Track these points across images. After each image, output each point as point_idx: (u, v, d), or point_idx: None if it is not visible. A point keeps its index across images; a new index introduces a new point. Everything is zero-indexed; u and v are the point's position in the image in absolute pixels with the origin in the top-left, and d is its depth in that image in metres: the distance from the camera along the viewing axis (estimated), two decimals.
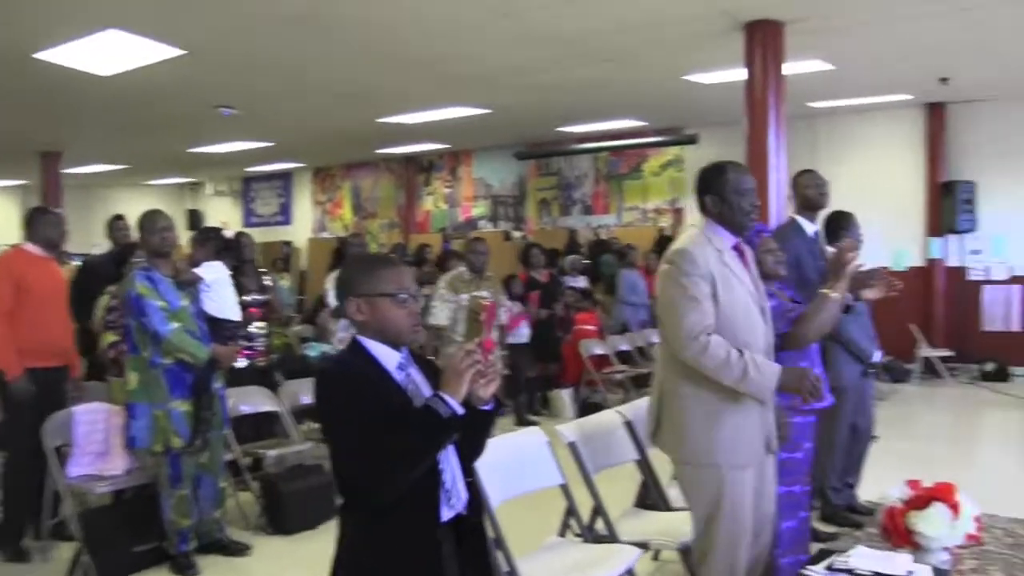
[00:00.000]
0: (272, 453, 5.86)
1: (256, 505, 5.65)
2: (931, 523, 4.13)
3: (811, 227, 5.16)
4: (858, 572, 3.14)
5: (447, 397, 2.21)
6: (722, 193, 3.22)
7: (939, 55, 8.91)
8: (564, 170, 15.45)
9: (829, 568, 3.17)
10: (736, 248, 3.28)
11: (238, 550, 5.11)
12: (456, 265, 8.00)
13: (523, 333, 8.75)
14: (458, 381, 2.22)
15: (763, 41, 7.08)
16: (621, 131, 13.72)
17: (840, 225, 5.47)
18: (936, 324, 11.89)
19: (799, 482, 4.10)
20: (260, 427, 6.32)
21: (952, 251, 12.04)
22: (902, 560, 3.32)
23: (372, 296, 2.36)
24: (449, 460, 2.38)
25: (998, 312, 11.83)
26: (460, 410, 2.21)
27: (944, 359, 11.21)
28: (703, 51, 8.21)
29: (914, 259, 12.16)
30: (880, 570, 3.16)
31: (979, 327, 11.88)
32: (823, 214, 5.41)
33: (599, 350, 9.62)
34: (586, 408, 9.00)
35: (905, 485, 4.33)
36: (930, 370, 11.20)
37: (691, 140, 13.14)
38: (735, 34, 7.23)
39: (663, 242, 13.00)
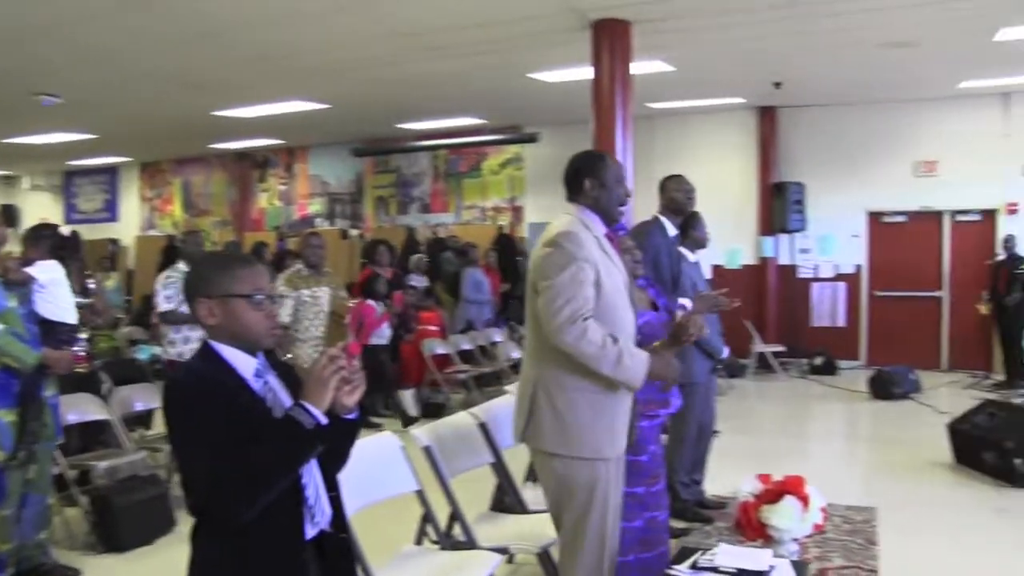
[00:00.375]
0: (102, 464, 5.42)
1: (85, 522, 5.21)
2: (783, 516, 4.21)
3: (673, 229, 5.22)
4: (722, 569, 3.12)
5: (310, 407, 2.03)
6: (603, 179, 3.22)
7: (774, 60, 9.25)
8: (402, 168, 15.31)
9: (693, 567, 3.14)
10: (607, 237, 3.26)
11: (66, 574, 4.69)
12: (293, 263, 7.72)
13: (385, 334, 8.56)
14: (322, 389, 2.04)
15: (611, 40, 7.11)
16: (461, 129, 13.63)
17: (689, 224, 5.56)
18: (769, 320, 12.38)
19: (642, 484, 4.08)
20: (87, 437, 5.87)
21: (783, 250, 12.58)
22: (763, 556, 3.33)
23: (226, 297, 2.15)
24: (312, 474, 2.20)
25: (825, 308, 12.45)
26: (324, 420, 2.04)
27: (777, 354, 11.65)
28: (549, 49, 8.20)
29: (747, 258, 12.64)
30: (743, 566, 3.14)
31: (808, 323, 12.47)
32: None
33: (441, 349, 9.47)
34: (428, 409, 8.84)
35: (756, 479, 4.42)
36: (764, 365, 11.62)
37: (531, 139, 13.22)
38: (582, 32, 7.23)
39: (502, 240, 13.05)
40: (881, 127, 11.90)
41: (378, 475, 3.64)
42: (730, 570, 3.11)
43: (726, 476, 5.91)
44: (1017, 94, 11.25)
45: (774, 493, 4.29)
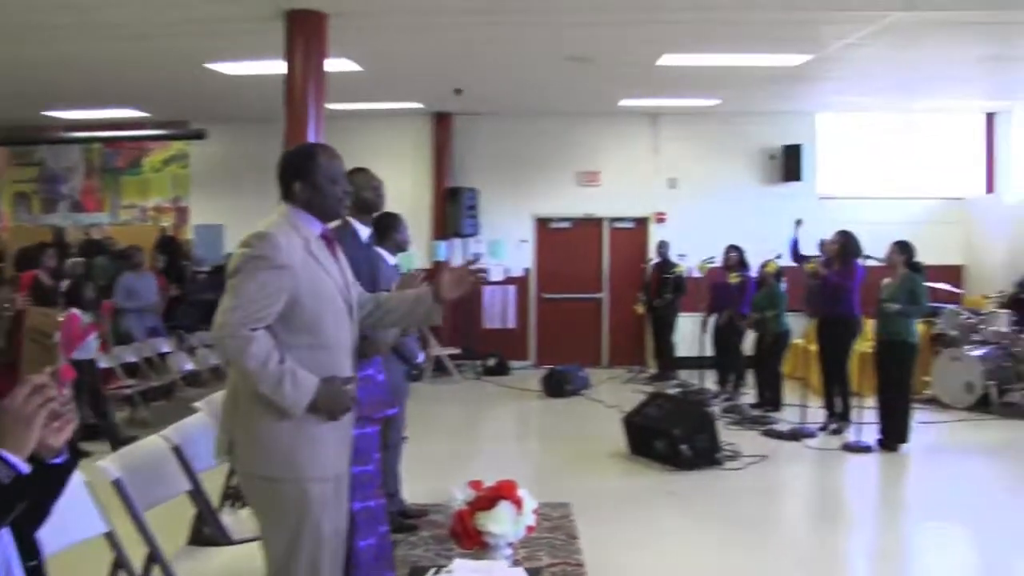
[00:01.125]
0: None
1: None
2: (499, 521, 4.18)
3: (365, 231, 4.89)
4: None
5: (7, 454, 1.59)
6: (313, 179, 2.94)
7: (459, 66, 9.31)
8: (48, 161, 13.74)
9: None
10: (324, 237, 2.99)
11: None
12: None
13: (92, 347, 7.51)
14: (24, 430, 1.61)
15: (305, 33, 6.68)
16: (119, 121, 12.44)
17: (390, 226, 5.41)
18: (444, 323, 12.49)
19: (374, 496, 3.89)
20: None
21: (456, 254, 12.79)
22: (499, 568, 3.25)
23: None
24: (3, 541, 1.73)
25: (496, 311, 12.85)
26: (25, 469, 1.61)
27: (452, 357, 11.83)
28: (234, 38, 7.59)
29: (421, 262, 12.69)
30: None
31: (481, 325, 12.78)
32: None
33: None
34: (88, 431, 7.89)
35: (468, 487, 4.35)
36: (440, 368, 11.74)
37: (199, 135, 12.40)
38: (274, 22, 6.76)
39: (166, 243, 12.17)
40: (550, 138, 12.55)
41: (58, 520, 3.08)
42: None
43: (419, 483, 5.85)
44: (663, 115, 12.45)
45: (488, 499, 4.26)
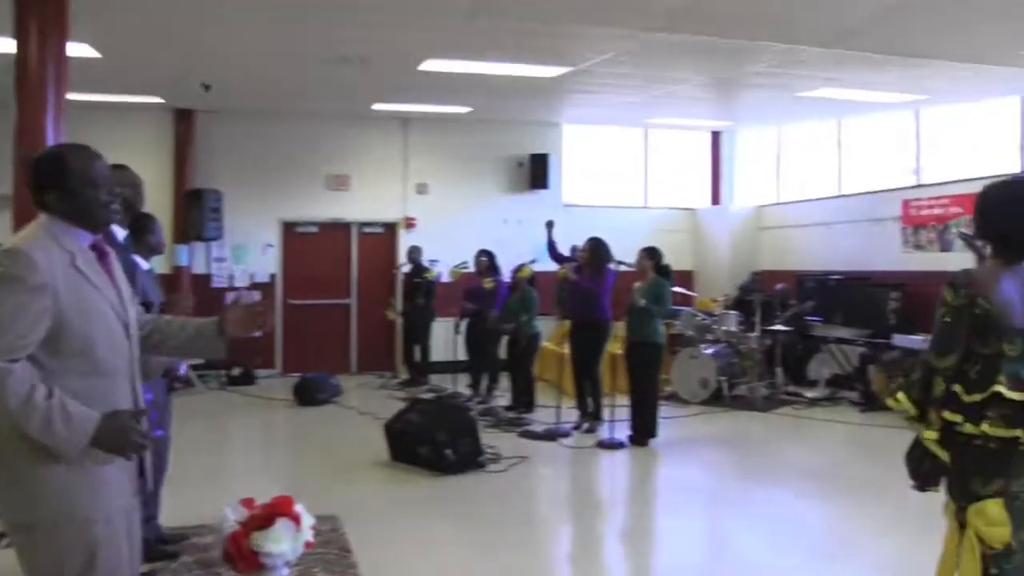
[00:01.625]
0: None
1: None
2: (277, 540, 4.01)
3: (122, 233, 4.52)
4: None
5: None
6: (67, 187, 2.57)
7: (210, 60, 8.82)
8: None
9: None
10: (96, 248, 2.65)
11: None
12: None
13: None
14: None
15: (42, 11, 5.99)
16: None
17: (144, 228, 5.06)
18: None
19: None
20: None
21: (198, 258, 12.15)
22: None
23: None
24: None
25: None
26: None
27: (194, 367, 11.18)
28: None
29: (161, 267, 11.93)
30: None
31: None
32: None
33: None
34: None
35: (240, 506, 4.13)
36: (183, 379, 11.08)
37: None
38: None
39: None
40: (298, 140, 12.22)
41: None
42: None
43: (173, 504, 5.42)
44: (414, 120, 12.56)
45: (264, 517, 4.04)
